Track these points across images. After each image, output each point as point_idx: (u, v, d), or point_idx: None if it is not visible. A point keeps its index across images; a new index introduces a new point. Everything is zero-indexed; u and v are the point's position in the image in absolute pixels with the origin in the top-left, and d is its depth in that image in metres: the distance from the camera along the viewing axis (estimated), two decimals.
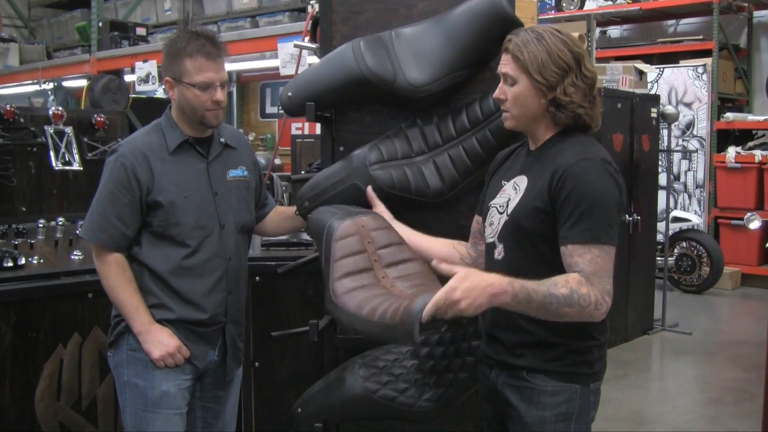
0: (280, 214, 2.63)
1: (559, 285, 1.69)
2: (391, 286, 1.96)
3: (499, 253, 1.90)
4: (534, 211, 1.82)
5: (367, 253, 2.04)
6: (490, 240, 1.94)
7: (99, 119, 4.20)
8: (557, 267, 1.81)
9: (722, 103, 8.44)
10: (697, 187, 8.19)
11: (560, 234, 1.77)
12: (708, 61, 8.13)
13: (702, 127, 8.14)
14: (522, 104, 1.87)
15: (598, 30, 8.52)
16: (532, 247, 1.84)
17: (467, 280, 1.63)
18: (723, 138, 8.13)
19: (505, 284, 1.66)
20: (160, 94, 6.63)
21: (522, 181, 1.90)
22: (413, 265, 2.06)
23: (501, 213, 1.91)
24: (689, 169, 8.24)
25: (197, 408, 2.45)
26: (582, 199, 1.75)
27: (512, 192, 1.90)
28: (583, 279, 1.71)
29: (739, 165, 7.65)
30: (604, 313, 1.74)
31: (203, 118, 2.30)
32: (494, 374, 1.95)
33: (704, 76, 8.09)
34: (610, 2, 8.85)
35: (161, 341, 2.25)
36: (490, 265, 1.94)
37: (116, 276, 2.26)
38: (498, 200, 1.95)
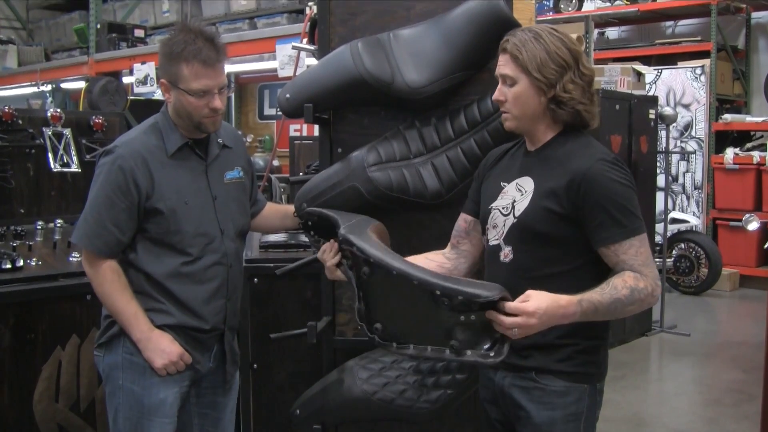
0: (274, 212, 2.58)
1: (619, 288, 1.77)
2: None
3: (506, 255, 1.90)
4: (546, 212, 1.84)
5: None
6: (495, 242, 1.93)
7: (97, 121, 4.20)
8: (565, 267, 1.84)
9: (720, 104, 8.44)
10: (695, 189, 8.20)
11: (597, 237, 1.81)
12: (706, 62, 8.13)
13: (700, 129, 8.14)
14: (523, 104, 1.88)
15: (596, 31, 8.52)
16: (541, 249, 1.85)
17: (542, 307, 1.69)
18: (721, 139, 8.14)
19: (575, 305, 1.73)
20: (158, 95, 6.62)
21: (527, 183, 1.90)
22: None
23: (506, 215, 1.91)
24: (687, 171, 8.25)
25: (194, 415, 2.36)
26: (611, 201, 1.80)
27: (516, 194, 1.90)
28: (637, 274, 1.80)
29: (737, 166, 7.65)
30: (659, 296, 1.85)
31: (200, 125, 2.20)
32: (500, 376, 1.94)
33: (702, 78, 8.10)
34: (608, 4, 8.86)
35: (163, 349, 2.17)
36: (494, 267, 1.94)
37: (111, 282, 2.17)
38: (500, 202, 1.94)
